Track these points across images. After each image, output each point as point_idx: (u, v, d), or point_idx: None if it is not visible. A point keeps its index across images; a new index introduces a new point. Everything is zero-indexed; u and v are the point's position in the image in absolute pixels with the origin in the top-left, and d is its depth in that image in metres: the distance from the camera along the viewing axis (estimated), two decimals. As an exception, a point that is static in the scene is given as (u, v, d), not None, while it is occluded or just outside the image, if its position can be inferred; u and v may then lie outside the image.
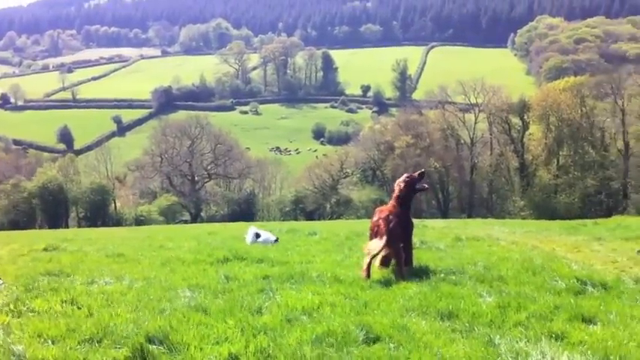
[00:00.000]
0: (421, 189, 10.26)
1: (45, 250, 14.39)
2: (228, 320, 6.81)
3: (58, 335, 6.40)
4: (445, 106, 76.90)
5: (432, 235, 16.16)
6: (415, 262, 10.07)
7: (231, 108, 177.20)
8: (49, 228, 58.67)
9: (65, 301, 7.88)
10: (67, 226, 63.93)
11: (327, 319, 6.85)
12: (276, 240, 15.42)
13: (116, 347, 6.05)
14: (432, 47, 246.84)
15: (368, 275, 9.30)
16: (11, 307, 7.58)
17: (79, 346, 6.08)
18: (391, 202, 10.00)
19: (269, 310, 7.38)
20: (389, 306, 7.55)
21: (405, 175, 10.22)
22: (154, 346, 6.04)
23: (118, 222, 64.88)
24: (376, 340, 6.26)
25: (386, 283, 8.91)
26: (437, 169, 68.43)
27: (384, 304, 7.65)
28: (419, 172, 10.26)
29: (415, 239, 12.07)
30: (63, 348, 5.98)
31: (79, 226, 65.18)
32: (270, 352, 5.89)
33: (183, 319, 6.89)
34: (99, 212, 68.35)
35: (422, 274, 9.42)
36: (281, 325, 6.68)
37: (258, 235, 15.37)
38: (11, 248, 15.32)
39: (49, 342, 6.23)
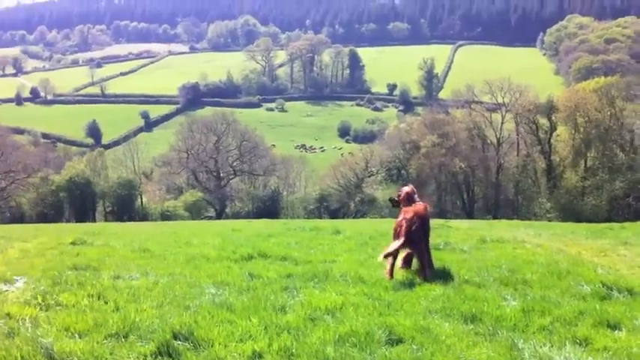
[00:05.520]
0: None
1: (72, 244, 14.49)
2: (253, 318, 6.88)
3: (85, 329, 6.52)
4: (472, 106, 76.07)
5: (456, 237, 16.04)
6: (439, 264, 10.05)
7: (257, 105, 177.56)
8: (76, 221, 59.30)
9: (92, 296, 8.01)
10: (93, 220, 64.50)
11: (350, 320, 6.89)
12: None
13: (142, 342, 6.14)
14: (460, 46, 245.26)
15: (391, 276, 9.33)
16: (39, 300, 7.71)
17: (105, 341, 6.19)
18: (420, 203, 10.06)
19: (292, 308, 7.43)
20: (412, 307, 7.56)
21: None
22: (179, 342, 6.13)
23: (144, 217, 65.36)
24: (399, 341, 6.28)
25: (409, 285, 8.91)
26: (462, 170, 67.93)
27: (407, 305, 7.66)
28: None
29: (439, 240, 12.00)
30: (90, 342, 6.09)
31: (106, 220, 65.69)
32: (294, 351, 5.95)
33: (209, 316, 6.97)
34: (125, 207, 68.82)
35: (445, 276, 9.40)
36: (304, 324, 6.73)
37: None
38: (39, 241, 15.47)
39: (77, 336, 6.33)
